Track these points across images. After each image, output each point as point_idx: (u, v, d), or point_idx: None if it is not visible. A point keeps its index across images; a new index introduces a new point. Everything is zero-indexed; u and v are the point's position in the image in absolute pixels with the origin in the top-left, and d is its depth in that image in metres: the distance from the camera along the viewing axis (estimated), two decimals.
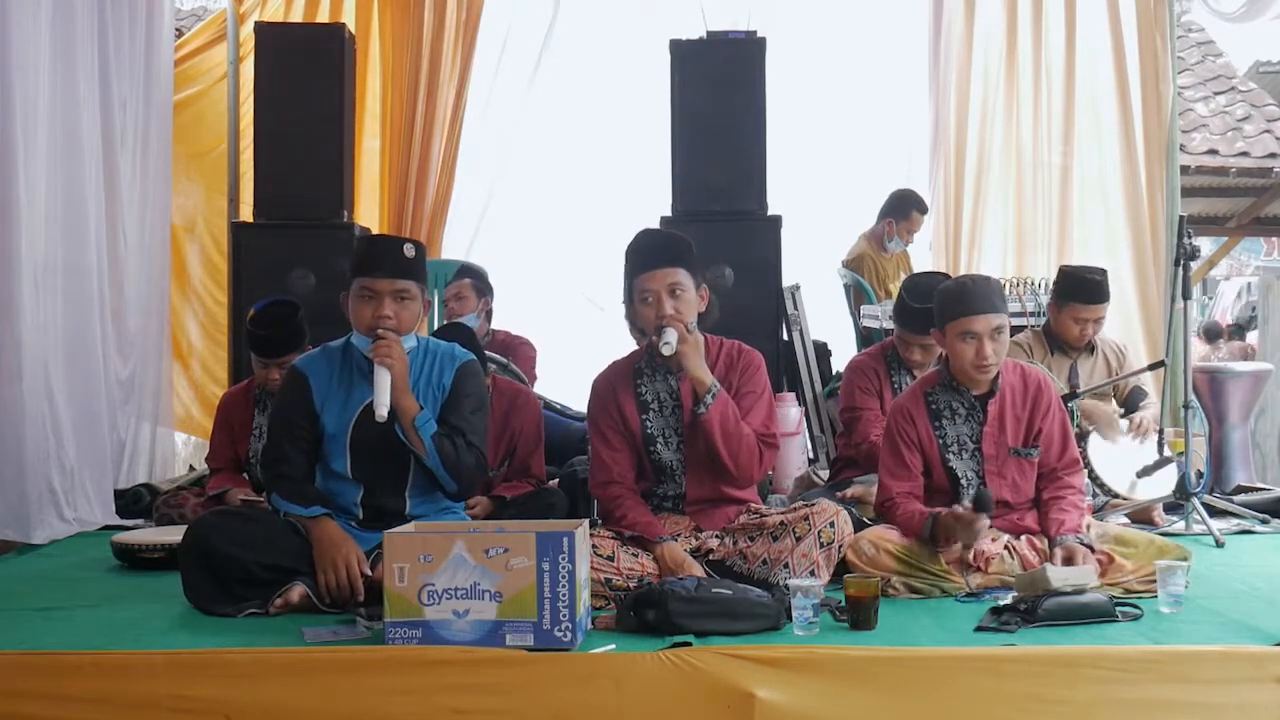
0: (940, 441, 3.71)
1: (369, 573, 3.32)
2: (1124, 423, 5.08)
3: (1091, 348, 5.18)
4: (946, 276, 4.93)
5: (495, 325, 5.82)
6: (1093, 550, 3.50)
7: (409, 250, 3.49)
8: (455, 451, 3.45)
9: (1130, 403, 5.20)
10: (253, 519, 3.50)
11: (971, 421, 3.70)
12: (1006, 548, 3.59)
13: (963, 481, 3.69)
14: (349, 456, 3.51)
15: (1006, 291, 5.72)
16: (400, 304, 3.46)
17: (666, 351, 3.42)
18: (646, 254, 3.57)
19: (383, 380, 3.38)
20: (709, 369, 3.54)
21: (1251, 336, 11.47)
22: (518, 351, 5.59)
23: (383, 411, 3.36)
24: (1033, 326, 5.37)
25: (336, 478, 3.53)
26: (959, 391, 3.71)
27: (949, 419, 3.72)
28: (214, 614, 3.30)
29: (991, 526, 3.70)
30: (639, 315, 3.56)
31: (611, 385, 3.68)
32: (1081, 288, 5.05)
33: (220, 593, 3.32)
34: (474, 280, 5.59)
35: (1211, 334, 11.67)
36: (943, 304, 3.69)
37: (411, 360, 3.53)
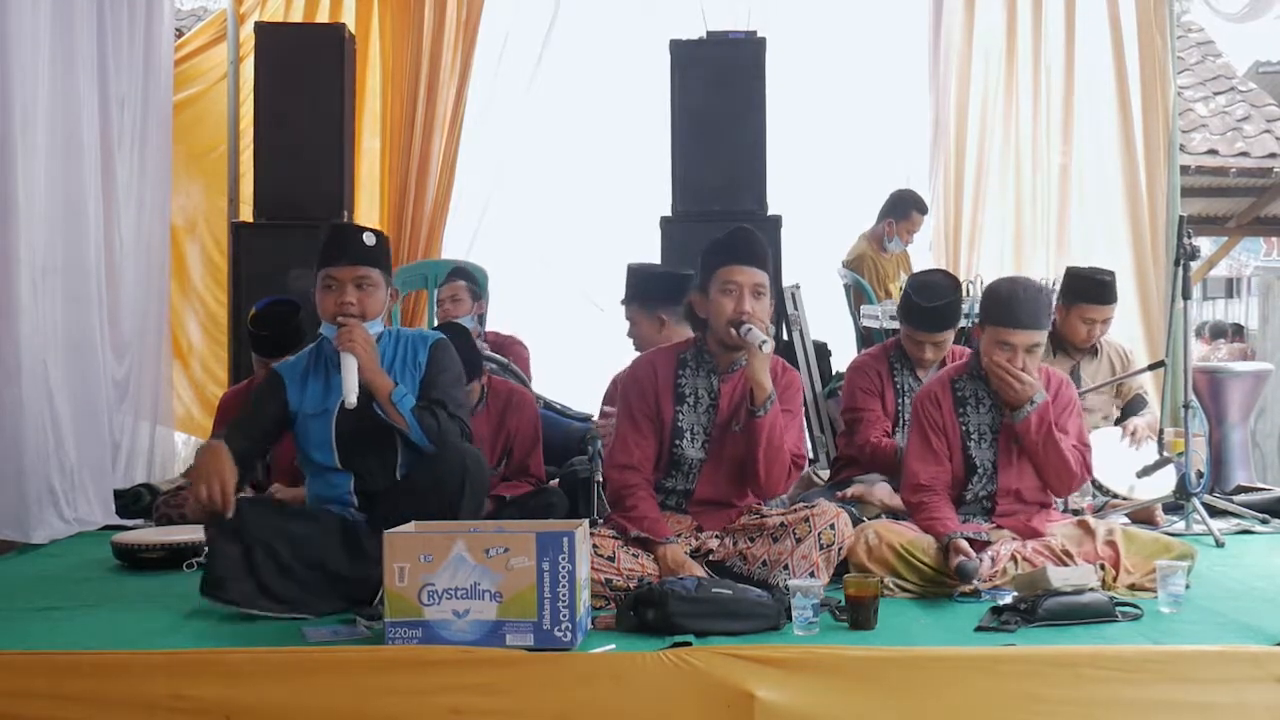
0: (963, 429, 3.72)
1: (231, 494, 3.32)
2: (1118, 430, 5.09)
3: (1095, 350, 5.17)
4: (949, 274, 4.93)
5: (489, 325, 5.82)
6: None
7: (369, 238, 3.51)
8: (437, 422, 3.45)
9: (1130, 410, 5.19)
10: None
11: (995, 412, 3.72)
12: (1013, 556, 3.58)
13: (980, 470, 3.71)
14: (335, 447, 3.51)
15: None
16: (362, 291, 3.47)
17: (767, 349, 3.45)
18: (743, 249, 3.58)
19: (349, 366, 3.39)
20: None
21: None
22: (511, 352, 5.59)
23: (351, 398, 3.37)
24: None
25: (327, 470, 3.54)
26: (986, 381, 3.72)
27: (973, 407, 3.74)
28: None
29: (999, 528, 3.71)
30: (713, 303, 3.55)
31: (653, 370, 3.66)
32: (1092, 288, 5.05)
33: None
34: (469, 283, 5.59)
35: (1216, 332, 11.66)
36: (989, 304, 3.69)
37: (383, 346, 3.54)
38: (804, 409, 5.79)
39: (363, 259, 3.48)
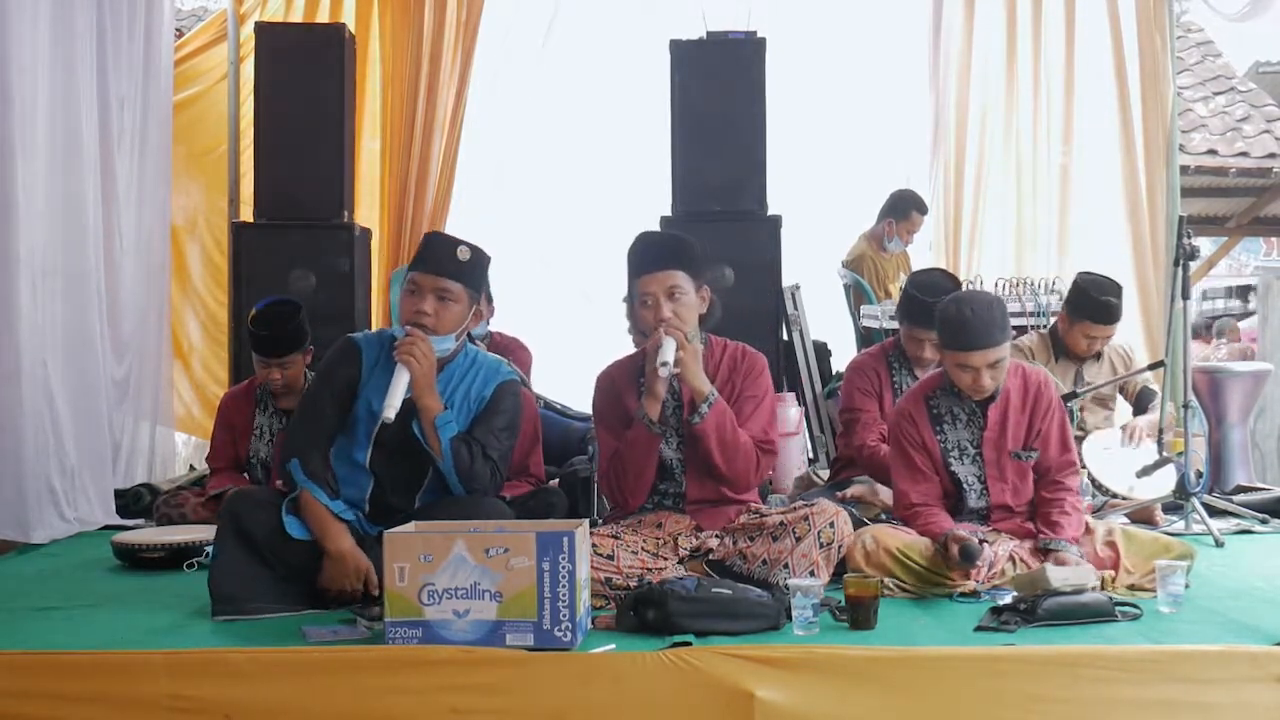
0: (942, 446, 3.70)
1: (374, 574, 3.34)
2: (1118, 430, 5.09)
3: (1098, 353, 5.16)
4: (949, 274, 4.92)
5: (492, 325, 5.82)
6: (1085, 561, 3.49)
7: (463, 253, 3.43)
8: (470, 459, 3.39)
9: (1140, 404, 5.18)
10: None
11: (972, 426, 3.69)
12: (1011, 556, 3.58)
13: (965, 485, 3.69)
14: (370, 447, 3.46)
15: (1005, 291, 5.73)
16: (441, 303, 3.40)
17: (664, 373, 3.36)
18: (644, 256, 3.55)
19: (399, 380, 3.33)
20: (711, 371, 3.53)
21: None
22: (513, 355, 5.58)
23: (389, 414, 3.31)
24: (1038, 329, 5.36)
25: (353, 465, 3.48)
26: (960, 396, 3.69)
27: (950, 424, 3.71)
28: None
29: (995, 530, 3.70)
30: (639, 318, 3.54)
31: (615, 381, 3.67)
32: (1098, 309, 5.00)
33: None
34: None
35: (1219, 330, 11.67)
36: (943, 329, 3.64)
37: (454, 365, 3.50)
38: (804, 408, 5.87)
39: (447, 272, 3.41)
